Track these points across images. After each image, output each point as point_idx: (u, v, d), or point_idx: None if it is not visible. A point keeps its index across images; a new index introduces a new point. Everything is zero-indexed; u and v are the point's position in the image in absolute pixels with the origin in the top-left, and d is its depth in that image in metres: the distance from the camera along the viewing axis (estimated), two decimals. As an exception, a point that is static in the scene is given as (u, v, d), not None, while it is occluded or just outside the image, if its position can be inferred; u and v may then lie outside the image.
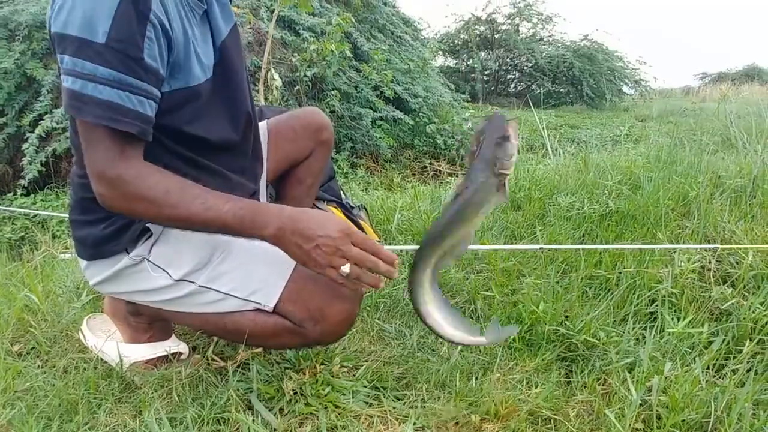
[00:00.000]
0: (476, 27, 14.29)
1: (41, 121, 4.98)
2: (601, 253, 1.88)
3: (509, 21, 14.19)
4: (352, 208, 2.03)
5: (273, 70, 2.64)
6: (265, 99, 2.58)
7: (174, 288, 1.06)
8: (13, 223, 4.86)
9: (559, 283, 1.73)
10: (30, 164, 4.93)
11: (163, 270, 1.06)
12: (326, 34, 5.68)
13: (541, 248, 1.85)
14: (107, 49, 0.83)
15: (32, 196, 5.18)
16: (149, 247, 1.07)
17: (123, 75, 0.84)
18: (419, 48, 8.01)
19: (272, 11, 3.83)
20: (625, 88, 15.03)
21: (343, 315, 1.05)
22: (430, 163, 6.67)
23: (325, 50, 5.34)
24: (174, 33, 0.92)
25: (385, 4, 7.73)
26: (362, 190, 4.16)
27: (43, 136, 4.98)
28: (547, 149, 4.33)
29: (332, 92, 5.78)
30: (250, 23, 5.13)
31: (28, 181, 4.96)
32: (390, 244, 2.06)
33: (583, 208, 2.39)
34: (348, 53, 5.76)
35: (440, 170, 6.50)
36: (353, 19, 5.95)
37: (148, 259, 1.07)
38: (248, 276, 1.05)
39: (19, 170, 5.24)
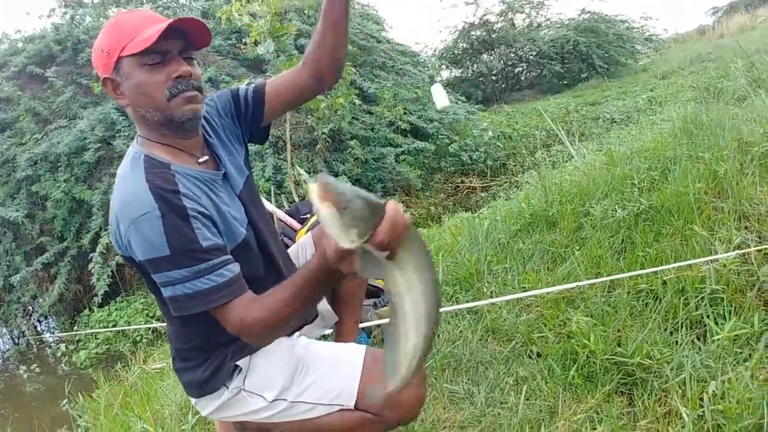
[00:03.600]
0: (472, 33, 14.40)
1: (99, 239, 5.41)
2: (641, 263, 1.94)
3: (502, 18, 14.25)
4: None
5: (299, 167, 2.84)
6: (299, 196, 2.79)
7: (270, 407, 1.24)
8: (96, 338, 5.25)
9: (606, 302, 1.80)
10: (99, 280, 5.32)
11: (258, 395, 1.24)
12: (333, 89, 5.95)
13: (569, 287, 1.93)
14: (174, 257, 1.03)
15: (106, 307, 5.59)
16: (242, 379, 1.25)
17: (195, 267, 1.03)
18: (422, 73, 8.19)
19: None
20: (637, 47, 14.72)
21: (413, 399, 1.20)
22: (461, 181, 6.77)
23: (335, 104, 5.58)
24: (208, 210, 1.11)
25: (379, 42, 7.98)
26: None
27: (104, 251, 5.38)
28: (570, 150, 4.34)
29: (351, 141, 6.01)
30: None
31: (101, 297, 5.35)
32: (443, 300, 2.18)
33: (616, 213, 2.44)
34: (356, 100, 6.00)
35: (473, 186, 6.58)
36: (353, 69, 6.19)
37: (243, 389, 1.25)
38: (328, 384, 1.23)
39: (89, 287, 5.69)
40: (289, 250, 1.53)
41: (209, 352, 1.24)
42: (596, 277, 2.03)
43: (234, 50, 6.70)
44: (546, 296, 1.91)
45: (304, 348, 1.29)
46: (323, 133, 5.70)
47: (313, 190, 0.79)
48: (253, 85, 1.35)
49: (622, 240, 2.32)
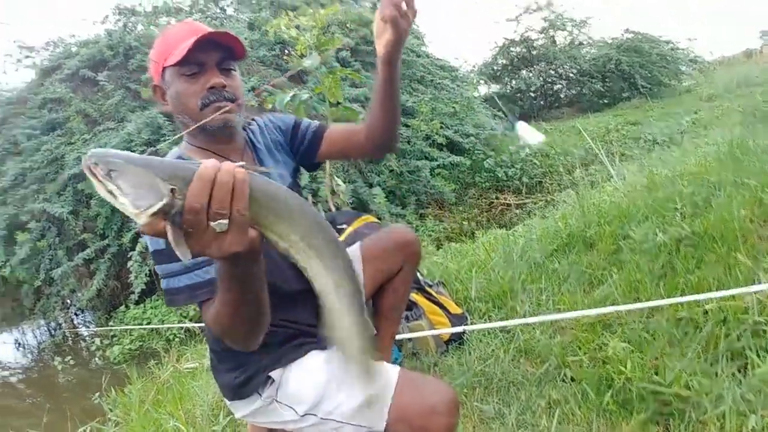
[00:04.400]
0: (512, 49, 14.36)
1: (139, 239, 5.57)
2: (681, 290, 1.89)
3: (543, 35, 14.16)
4: (431, 285, 2.17)
5: (336, 177, 2.88)
6: (335, 206, 2.83)
7: (301, 420, 1.25)
8: (130, 334, 5.40)
9: (645, 328, 1.76)
10: (136, 278, 5.47)
11: (290, 407, 1.25)
12: (369, 100, 6.01)
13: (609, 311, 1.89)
14: (170, 249, 1.06)
15: (141, 305, 5.74)
16: (275, 389, 1.27)
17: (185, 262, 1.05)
18: (461, 88, 8.21)
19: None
20: (681, 68, 14.40)
21: (443, 428, 1.18)
22: (496, 198, 6.73)
23: (373, 117, 5.62)
24: None
25: (419, 56, 8.04)
26: (435, 247, 4.29)
27: (143, 251, 5.54)
28: (609, 170, 4.27)
29: (387, 154, 6.04)
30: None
31: (137, 295, 5.51)
32: (473, 315, 2.17)
33: (656, 237, 2.38)
34: (394, 113, 6.04)
35: (507, 203, 6.52)
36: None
37: (276, 400, 1.27)
38: (359, 405, 1.22)
39: (127, 285, 5.86)
40: None
41: (243, 357, 1.25)
42: (635, 302, 1.98)
43: (277, 60, 6.87)
44: (582, 319, 1.88)
45: (339, 364, 1.30)
46: (360, 144, 5.74)
47: (85, 167, 0.66)
48: (316, 124, 1.41)
49: (662, 265, 2.26)
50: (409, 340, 1.97)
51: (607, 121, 10.19)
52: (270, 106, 2.52)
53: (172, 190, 0.65)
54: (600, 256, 2.44)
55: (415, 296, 2.06)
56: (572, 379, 1.63)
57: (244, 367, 1.26)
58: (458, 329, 1.95)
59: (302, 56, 2.35)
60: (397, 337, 1.90)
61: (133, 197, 0.64)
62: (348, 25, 6.66)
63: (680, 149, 5.71)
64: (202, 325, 1.33)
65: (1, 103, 6.98)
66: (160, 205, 0.64)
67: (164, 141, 5.89)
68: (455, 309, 2.12)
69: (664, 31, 21.06)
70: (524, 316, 1.97)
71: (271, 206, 0.72)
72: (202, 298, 1.06)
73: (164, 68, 1.16)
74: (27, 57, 7.44)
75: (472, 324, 2.04)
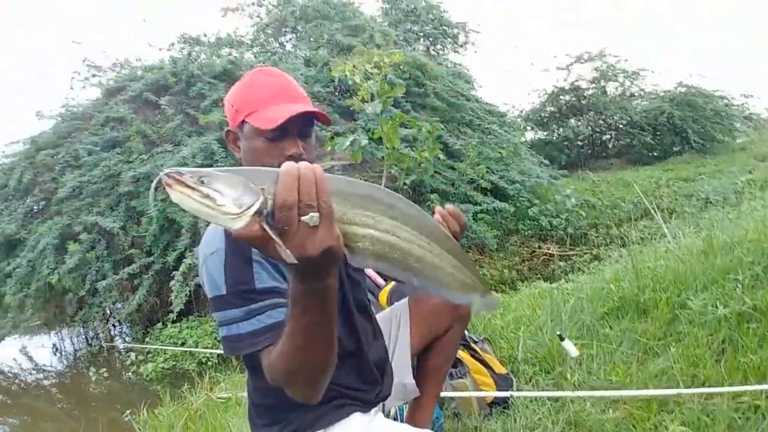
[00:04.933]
0: (561, 97, 14.32)
1: (184, 259, 5.69)
2: (743, 370, 1.77)
3: (594, 85, 14.08)
4: (476, 342, 2.11)
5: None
6: None
7: None
8: (164, 353, 5.46)
9: (704, 410, 1.65)
10: (176, 297, 5.57)
11: None
12: (418, 141, 6.06)
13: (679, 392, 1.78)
14: (230, 296, 1.05)
15: (178, 324, 5.82)
16: None
17: (248, 306, 1.03)
18: (508, 133, 8.20)
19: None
20: (736, 125, 14.01)
21: None
22: (538, 247, 6.59)
23: (419, 158, 5.67)
24: None
25: (468, 100, 8.11)
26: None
27: (186, 271, 5.65)
28: (663, 229, 4.11)
29: (432, 195, 6.05)
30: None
31: (176, 314, 5.59)
32: (519, 378, 2.09)
33: (717, 309, 2.26)
34: (441, 155, 6.07)
35: (550, 253, 6.38)
36: (441, 125, 6.30)
37: None
38: None
39: (166, 302, 5.96)
40: (379, 316, 1.51)
41: (282, 415, 1.22)
42: (693, 379, 1.87)
43: (330, 97, 7.05)
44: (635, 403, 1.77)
45: (379, 430, 1.25)
46: (405, 184, 5.78)
47: (168, 183, 0.65)
48: None
49: (723, 340, 2.13)
50: (452, 399, 1.90)
51: (657, 175, 9.95)
52: (329, 148, 2.57)
53: (262, 190, 0.67)
54: (655, 325, 2.33)
55: (460, 353, 1.99)
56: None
57: (284, 424, 1.21)
58: (505, 393, 1.88)
59: (363, 101, 2.40)
60: (440, 394, 1.84)
61: (234, 198, 0.65)
62: (402, 67, 6.81)
63: (736, 212, 5.48)
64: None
65: (67, 118, 7.36)
66: (259, 203, 0.66)
67: (217, 166, 6.07)
68: (500, 368, 2.05)
69: (719, 85, 20.52)
70: (575, 385, 1.88)
71: (348, 196, 0.74)
72: (265, 344, 1.02)
73: (244, 121, 1.16)
74: (94, 76, 7.89)
75: (518, 388, 1.96)
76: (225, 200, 0.65)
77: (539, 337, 2.34)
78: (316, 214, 0.67)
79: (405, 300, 1.55)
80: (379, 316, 1.51)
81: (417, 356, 1.55)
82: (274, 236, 0.66)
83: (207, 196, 0.65)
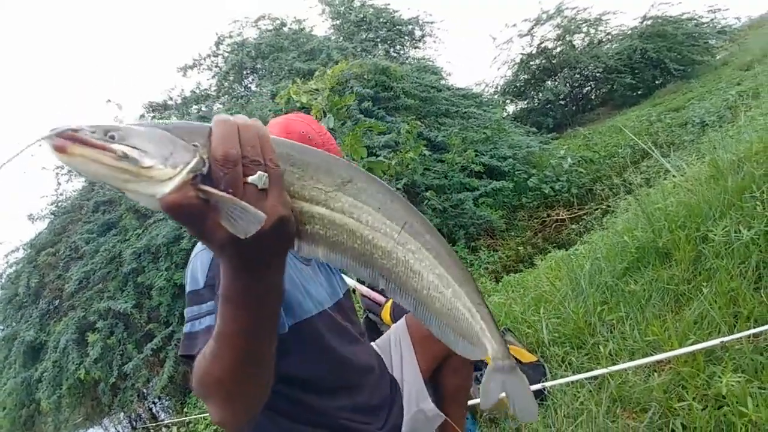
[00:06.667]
0: (531, 63, 14.19)
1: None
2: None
3: (560, 42, 13.94)
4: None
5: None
6: None
7: None
8: (204, 419, 5.37)
9: (755, 349, 1.51)
10: (202, 362, 5.48)
11: None
12: (399, 144, 5.97)
13: (721, 342, 1.65)
14: (205, 289, 0.95)
15: (214, 388, 5.72)
16: None
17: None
18: (488, 112, 8.08)
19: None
20: (711, 42, 13.78)
21: None
22: (547, 215, 6.44)
23: (405, 160, 5.58)
24: None
25: (440, 91, 8.01)
26: (494, 280, 4.07)
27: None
28: (662, 163, 3.96)
29: (426, 192, 5.94)
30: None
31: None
32: (550, 363, 1.96)
33: (741, 234, 2.12)
34: (426, 151, 5.97)
35: (561, 218, 6.22)
36: (418, 122, 6.21)
37: None
38: None
39: (196, 369, 5.91)
40: (375, 343, 1.40)
41: None
42: (734, 317, 1.74)
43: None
44: (681, 361, 1.63)
45: None
46: (397, 188, 5.68)
47: (60, 147, 0.48)
48: None
49: (756, 266, 1.99)
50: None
51: (646, 113, 9.75)
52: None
53: (194, 147, 0.51)
54: (680, 268, 2.19)
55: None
56: (684, 428, 1.39)
57: None
58: (537, 386, 1.74)
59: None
60: (470, 402, 1.72)
61: (163, 156, 0.49)
62: (365, 76, 6.73)
63: (735, 127, 5.32)
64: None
65: (59, 214, 7.39)
66: (195, 161, 0.50)
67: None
68: (528, 357, 1.92)
69: (683, 7, 20.20)
70: (610, 355, 1.75)
71: (295, 161, 0.57)
72: None
73: None
74: (75, 166, 7.89)
75: (552, 373, 1.83)
76: (151, 160, 0.49)
77: (562, 312, 2.21)
78: (265, 174, 0.52)
79: (402, 320, 1.43)
80: (379, 342, 1.40)
81: (433, 380, 1.43)
82: (223, 194, 0.50)
83: (124, 157, 0.49)
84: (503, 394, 0.75)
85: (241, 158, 0.52)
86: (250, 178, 0.52)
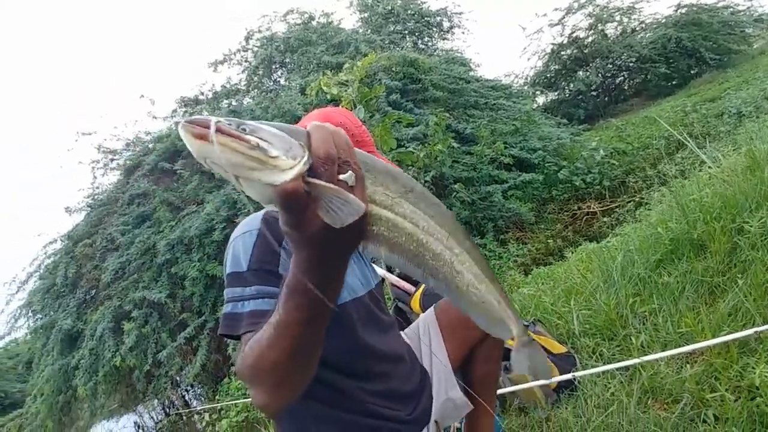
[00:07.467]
0: (562, 53, 13.93)
1: (232, 310, 5.74)
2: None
3: (592, 31, 13.63)
4: (527, 326, 1.99)
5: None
6: None
7: None
8: (236, 406, 5.50)
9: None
10: (234, 350, 5.62)
11: None
12: (428, 136, 5.96)
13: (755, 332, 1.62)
14: (249, 273, 0.99)
15: (245, 376, 5.85)
16: None
17: (261, 286, 0.97)
18: (517, 104, 7.99)
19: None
20: (748, 31, 13.28)
21: None
22: (578, 208, 6.34)
23: (433, 152, 5.56)
24: None
25: (468, 82, 7.95)
26: (523, 273, 4.04)
27: (238, 321, 5.69)
28: (700, 156, 3.87)
29: (455, 185, 5.92)
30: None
31: (239, 366, 5.63)
32: (580, 354, 1.95)
33: (779, 226, 2.07)
34: (454, 143, 5.94)
35: (592, 211, 6.11)
36: (447, 114, 6.18)
37: None
38: None
39: (227, 357, 6.04)
40: (404, 332, 1.42)
41: None
42: (772, 309, 1.70)
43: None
44: (715, 352, 1.61)
45: None
46: (426, 181, 5.68)
47: (200, 135, 0.55)
48: None
49: (794, 258, 1.94)
50: (513, 393, 1.78)
51: (681, 103, 9.48)
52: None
53: (301, 145, 0.59)
54: (715, 259, 2.15)
55: (511, 343, 1.87)
56: (716, 419, 1.37)
57: None
58: (567, 376, 1.74)
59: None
60: (499, 391, 1.73)
61: (285, 149, 0.57)
62: (393, 69, 6.72)
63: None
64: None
65: (95, 206, 7.62)
66: (307, 155, 0.58)
67: (242, 215, 6.13)
68: (559, 348, 1.92)
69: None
70: (642, 346, 1.73)
71: (369, 167, 0.64)
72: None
73: None
74: (112, 160, 8.15)
75: (582, 364, 1.82)
76: (276, 151, 0.57)
77: (593, 303, 2.19)
78: (353, 174, 0.60)
79: (431, 309, 1.45)
80: (408, 331, 1.42)
81: (464, 369, 1.44)
82: (331, 185, 0.57)
83: (257, 147, 0.56)
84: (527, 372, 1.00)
85: (337, 158, 0.59)
86: (342, 176, 0.59)
